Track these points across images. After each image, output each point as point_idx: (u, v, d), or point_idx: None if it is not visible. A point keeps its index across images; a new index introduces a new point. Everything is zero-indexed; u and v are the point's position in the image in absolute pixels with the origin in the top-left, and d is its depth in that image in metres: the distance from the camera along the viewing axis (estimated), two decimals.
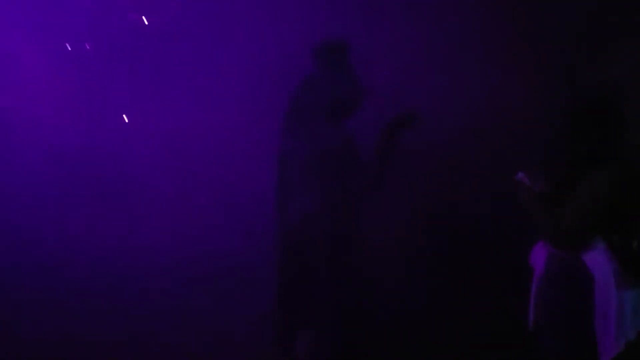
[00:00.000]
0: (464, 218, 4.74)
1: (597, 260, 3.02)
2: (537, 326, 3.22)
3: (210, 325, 4.70)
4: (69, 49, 5.11)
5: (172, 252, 4.89)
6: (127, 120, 5.09)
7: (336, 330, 3.92)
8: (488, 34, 4.73)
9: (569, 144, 3.16)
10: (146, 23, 5.13)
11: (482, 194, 4.68)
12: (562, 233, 3.05)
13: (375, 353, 4.08)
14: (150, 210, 4.99)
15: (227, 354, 4.57)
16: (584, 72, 4.50)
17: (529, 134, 4.43)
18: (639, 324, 3.01)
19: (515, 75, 4.61)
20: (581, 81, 4.42)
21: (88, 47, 5.14)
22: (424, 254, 4.69)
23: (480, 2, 4.79)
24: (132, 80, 5.08)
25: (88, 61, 5.12)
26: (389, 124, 3.92)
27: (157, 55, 5.10)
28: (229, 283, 4.85)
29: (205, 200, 4.99)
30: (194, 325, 4.71)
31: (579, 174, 3.09)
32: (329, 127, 3.94)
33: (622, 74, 4.22)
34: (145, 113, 5.03)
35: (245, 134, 4.87)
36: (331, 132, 3.94)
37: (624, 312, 2.97)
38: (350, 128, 4.00)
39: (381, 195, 3.98)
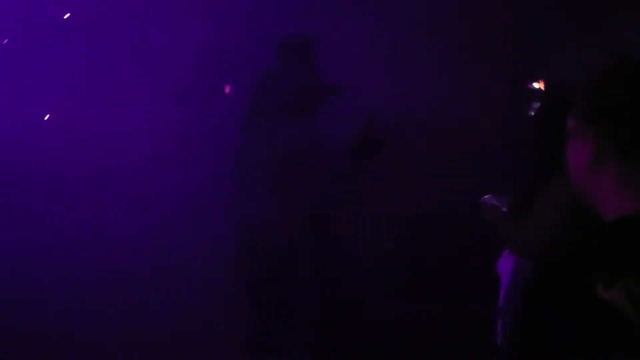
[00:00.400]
0: (430, 219, 4.67)
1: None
2: (504, 337, 3.15)
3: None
4: None
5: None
6: (47, 118, 4.98)
7: (306, 330, 3.87)
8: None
9: (534, 148, 3.00)
10: (65, 17, 5.02)
11: (448, 194, 4.59)
12: (530, 245, 2.86)
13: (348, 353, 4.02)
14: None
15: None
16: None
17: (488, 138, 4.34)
18: None
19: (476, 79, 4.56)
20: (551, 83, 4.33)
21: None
22: (394, 257, 4.62)
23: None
24: (50, 74, 4.97)
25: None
26: (363, 130, 3.81)
27: (75, 50, 4.99)
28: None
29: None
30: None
31: (545, 180, 2.97)
32: (291, 125, 3.82)
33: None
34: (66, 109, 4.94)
35: (166, 133, 4.79)
36: (294, 130, 3.82)
37: None
38: (317, 127, 3.90)
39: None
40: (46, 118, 4.97)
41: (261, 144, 3.82)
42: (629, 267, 1.25)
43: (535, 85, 4.54)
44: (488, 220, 3.01)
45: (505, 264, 3.11)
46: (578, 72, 4.07)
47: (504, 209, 2.97)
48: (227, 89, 4.72)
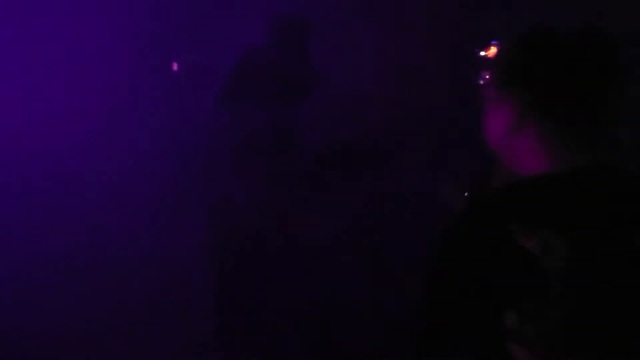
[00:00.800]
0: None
1: None
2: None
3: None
4: None
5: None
6: None
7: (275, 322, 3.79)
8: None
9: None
10: None
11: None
12: None
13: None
14: None
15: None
16: None
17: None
18: None
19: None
20: None
21: None
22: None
23: None
24: None
25: None
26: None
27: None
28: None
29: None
30: None
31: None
32: (264, 111, 3.73)
33: None
34: None
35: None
36: (265, 116, 3.73)
37: None
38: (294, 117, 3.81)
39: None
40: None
41: (231, 127, 3.73)
42: (545, 221, 1.32)
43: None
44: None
45: None
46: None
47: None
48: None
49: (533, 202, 1.35)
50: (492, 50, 5.38)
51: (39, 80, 4.99)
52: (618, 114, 1.44)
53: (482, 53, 4.95)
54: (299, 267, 3.85)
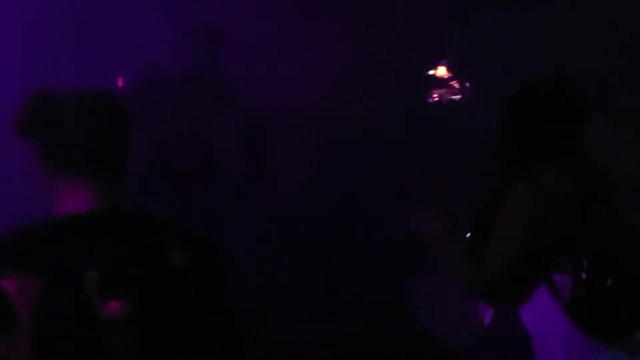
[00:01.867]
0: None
1: (540, 314, 2.18)
2: None
3: None
4: None
5: None
6: None
7: None
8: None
9: (498, 152, 2.32)
10: None
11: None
12: (485, 281, 2.17)
13: None
14: None
15: None
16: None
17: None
18: None
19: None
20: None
21: None
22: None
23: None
24: None
25: None
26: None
27: None
28: None
29: None
30: None
31: (504, 193, 2.21)
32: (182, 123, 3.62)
33: None
34: None
35: None
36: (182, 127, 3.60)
37: None
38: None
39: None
40: None
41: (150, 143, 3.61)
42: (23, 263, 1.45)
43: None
44: (426, 240, 2.33)
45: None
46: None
47: (451, 235, 2.28)
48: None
49: (18, 244, 1.47)
50: (440, 70, 4.80)
51: None
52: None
53: (431, 72, 4.58)
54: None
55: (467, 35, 4.42)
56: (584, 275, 2.11)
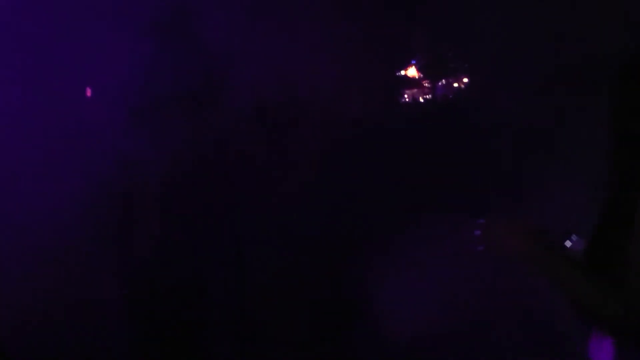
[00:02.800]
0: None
1: None
2: None
3: None
4: None
5: None
6: None
7: None
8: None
9: (616, 145, 1.75)
10: None
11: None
12: (630, 315, 1.65)
13: None
14: None
15: None
16: None
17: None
18: None
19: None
20: None
21: None
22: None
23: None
24: None
25: None
26: None
27: None
28: None
29: None
30: None
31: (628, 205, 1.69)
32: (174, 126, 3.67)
33: None
34: None
35: None
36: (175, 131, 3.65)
37: None
38: None
39: None
40: None
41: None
42: None
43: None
44: (509, 257, 1.84)
45: (602, 350, 1.78)
46: None
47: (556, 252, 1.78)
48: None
49: None
50: (410, 70, 4.82)
51: None
52: None
53: (402, 72, 4.63)
54: None
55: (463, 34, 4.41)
56: None
